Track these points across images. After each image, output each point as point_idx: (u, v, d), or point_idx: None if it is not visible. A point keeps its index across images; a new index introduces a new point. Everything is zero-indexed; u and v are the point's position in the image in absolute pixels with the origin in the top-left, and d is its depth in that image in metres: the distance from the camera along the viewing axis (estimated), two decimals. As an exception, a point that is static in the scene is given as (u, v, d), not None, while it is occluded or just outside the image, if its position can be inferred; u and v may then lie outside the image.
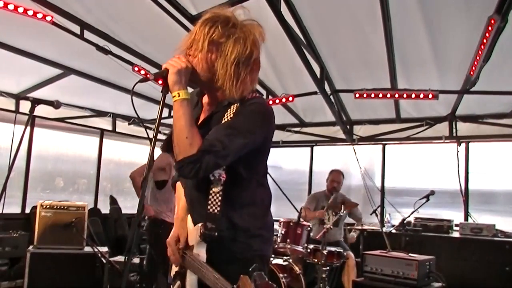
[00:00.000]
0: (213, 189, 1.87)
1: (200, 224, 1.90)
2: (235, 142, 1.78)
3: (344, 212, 5.83)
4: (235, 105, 1.87)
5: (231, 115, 1.85)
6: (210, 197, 1.87)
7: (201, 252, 1.89)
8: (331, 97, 6.21)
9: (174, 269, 2.07)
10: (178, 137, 1.78)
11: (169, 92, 1.81)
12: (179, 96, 1.79)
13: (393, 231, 5.99)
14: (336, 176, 6.41)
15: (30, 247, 5.01)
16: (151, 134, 1.82)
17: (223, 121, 1.85)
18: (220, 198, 1.87)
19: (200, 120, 1.97)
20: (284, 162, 8.88)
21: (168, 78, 1.80)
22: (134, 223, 1.78)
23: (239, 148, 1.81)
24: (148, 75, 1.68)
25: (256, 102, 1.89)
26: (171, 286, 2.07)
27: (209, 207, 1.86)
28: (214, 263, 1.84)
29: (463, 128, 6.79)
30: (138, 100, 6.50)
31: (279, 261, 5.35)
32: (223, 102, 1.90)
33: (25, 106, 5.83)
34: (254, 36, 1.90)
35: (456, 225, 6.42)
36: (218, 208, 1.86)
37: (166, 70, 1.81)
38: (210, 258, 1.87)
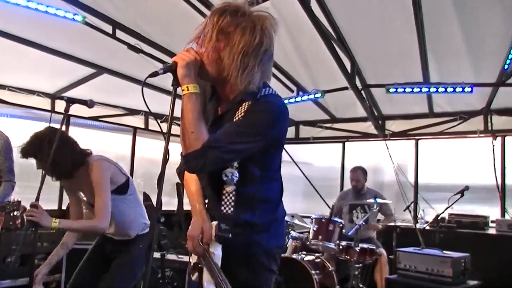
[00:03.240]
0: (226, 189, 1.87)
1: (215, 224, 1.89)
2: (241, 141, 1.77)
3: (376, 208, 5.76)
4: (248, 102, 1.82)
5: (242, 113, 1.82)
6: (224, 197, 1.87)
7: (216, 250, 1.89)
8: (362, 92, 6.14)
9: (194, 258, 2.05)
10: (185, 131, 1.78)
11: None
12: (188, 90, 1.77)
13: (427, 227, 5.88)
14: (353, 175, 6.28)
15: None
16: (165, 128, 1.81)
17: (234, 119, 1.83)
18: (233, 198, 1.86)
19: (215, 117, 1.95)
20: (316, 159, 8.83)
21: (177, 72, 1.77)
22: (154, 218, 1.79)
23: (246, 149, 1.79)
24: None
25: (268, 100, 1.84)
26: (191, 275, 2.07)
27: (222, 207, 1.87)
28: (229, 260, 1.87)
29: (498, 121, 6.61)
30: (163, 96, 6.57)
31: (311, 258, 5.33)
32: (236, 98, 1.85)
33: (60, 105, 5.98)
34: (264, 26, 1.82)
35: (492, 222, 6.28)
36: (232, 209, 1.86)
37: (175, 63, 1.78)
38: (226, 255, 1.88)
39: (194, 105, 1.77)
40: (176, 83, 1.79)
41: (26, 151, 3.14)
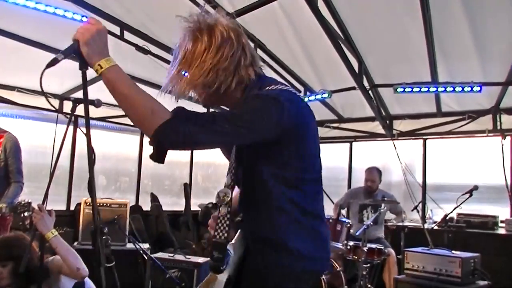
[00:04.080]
0: (221, 212, 1.70)
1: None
2: (219, 126, 1.51)
3: (385, 208, 5.74)
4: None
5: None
6: (218, 221, 1.69)
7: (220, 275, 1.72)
8: (370, 92, 6.12)
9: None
10: (133, 111, 1.52)
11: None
12: (101, 67, 1.51)
13: (435, 227, 5.86)
14: (369, 175, 6.24)
15: (75, 243, 5.16)
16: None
17: None
18: (227, 222, 1.68)
19: None
20: (323, 159, 8.76)
21: (82, 51, 1.54)
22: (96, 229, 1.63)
23: (221, 136, 1.53)
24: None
25: (258, 93, 1.65)
26: None
27: (215, 233, 1.67)
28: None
29: (508, 121, 6.55)
30: (167, 96, 6.58)
31: (318, 257, 5.32)
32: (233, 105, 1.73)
33: (68, 106, 6.00)
34: (203, 24, 1.71)
35: (502, 222, 6.24)
36: (225, 235, 1.66)
37: (76, 41, 1.54)
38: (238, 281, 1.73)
39: (119, 78, 1.53)
40: (83, 64, 1.58)
41: None
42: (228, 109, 1.80)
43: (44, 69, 1.53)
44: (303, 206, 1.69)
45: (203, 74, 1.62)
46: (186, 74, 1.66)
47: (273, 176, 1.66)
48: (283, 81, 1.83)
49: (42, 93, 1.55)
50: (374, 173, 6.23)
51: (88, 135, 1.58)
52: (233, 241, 1.78)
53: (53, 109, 6.30)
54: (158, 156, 1.56)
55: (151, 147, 1.57)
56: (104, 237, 2.17)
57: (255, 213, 1.73)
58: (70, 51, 1.54)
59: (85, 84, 1.59)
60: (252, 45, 1.81)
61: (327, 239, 1.79)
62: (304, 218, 1.69)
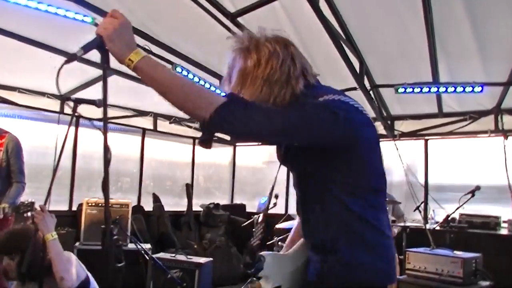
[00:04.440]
0: (260, 219, 1.77)
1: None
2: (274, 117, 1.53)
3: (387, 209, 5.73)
4: None
5: None
6: (255, 227, 1.76)
7: (267, 286, 1.78)
8: (371, 92, 6.11)
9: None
10: (182, 97, 1.49)
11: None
12: (132, 61, 1.46)
13: (437, 228, 5.84)
14: None
15: (77, 244, 5.16)
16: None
17: None
18: (261, 230, 1.75)
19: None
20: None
21: (108, 47, 1.48)
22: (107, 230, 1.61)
23: (286, 129, 1.53)
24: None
25: (314, 102, 1.64)
26: None
27: (252, 239, 1.75)
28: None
29: (510, 121, 6.55)
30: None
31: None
32: None
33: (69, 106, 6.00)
34: (250, 42, 1.72)
35: (504, 222, 6.23)
36: (258, 241, 1.75)
37: (99, 36, 1.47)
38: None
39: (156, 67, 1.49)
40: (105, 60, 1.51)
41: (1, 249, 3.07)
42: None
43: (62, 66, 1.47)
44: (363, 215, 1.64)
45: (257, 89, 1.65)
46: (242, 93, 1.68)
47: (330, 183, 1.65)
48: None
49: (59, 95, 1.53)
50: None
51: (105, 133, 1.58)
52: (290, 251, 1.82)
53: (54, 109, 6.29)
54: (208, 141, 1.55)
55: (201, 132, 1.56)
56: (114, 237, 2.16)
57: (312, 221, 1.72)
58: (91, 46, 1.47)
59: (105, 81, 1.51)
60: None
61: (388, 252, 1.70)
62: (363, 228, 1.64)
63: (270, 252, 1.78)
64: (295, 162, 1.78)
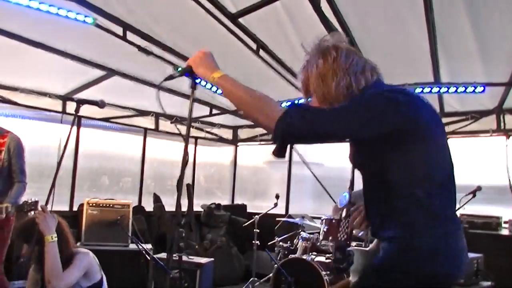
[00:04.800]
0: (343, 215, 1.93)
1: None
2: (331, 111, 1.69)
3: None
4: None
5: None
6: (341, 223, 1.94)
7: None
8: (373, 92, 6.10)
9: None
10: (250, 110, 1.72)
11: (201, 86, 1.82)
12: (214, 78, 1.82)
13: (439, 228, 5.84)
14: None
15: (78, 244, 5.16)
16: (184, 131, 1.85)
17: None
18: (346, 224, 1.89)
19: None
20: (327, 159, 8.80)
21: (197, 72, 1.88)
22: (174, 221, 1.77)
23: (336, 123, 1.62)
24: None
25: (372, 92, 1.78)
26: None
27: (339, 234, 1.92)
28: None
29: (511, 121, 6.55)
30: (179, 98, 6.61)
31: (321, 258, 5.32)
32: None
33: (71, 107, 6.02)
34: (327, 44, 1.95)
35: (505, 222, 6.22)
36: (345, 236, 1.87)
37: (189, 67, 1.90)
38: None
39: (231, 83, 1.79)
40: (193, 84, 1.93)
41: (18, 235, 3.16)
42: None
43: (161, 82, 1.92)
44: (428, 207, 1.64)
45: (341, 80, 1.82)
46: (322, 88, 1.85)
47: (393, 175, 1.67)
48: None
49: (164, 114, 1.78)
50: None
51: (187, 136, 1.91)
52: (371, 246, 1.86)
53: (56, 109, 6.31)
54: (280, 150, 1.66)
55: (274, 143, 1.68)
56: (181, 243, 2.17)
57: (377, 212, 1.76)
58: (184, 72, 1.92)
59: (192, 103, 1.89)
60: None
61: (455, 246, 1.70)
62: (428, 219, 1.64)
63: (356, 247, 1.90)
64: (360, 161, 1.88)
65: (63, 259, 3.03)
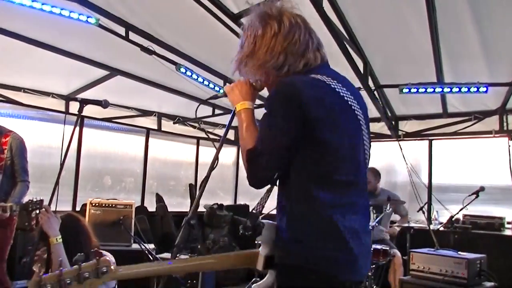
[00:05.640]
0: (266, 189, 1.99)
1: None
2: (267, 139, 1.72)
3: (390, 209, 5.72)
4: None
5: None
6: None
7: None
8: (375, 92, 6.10)
9: None
10: (242, 153, 1.81)
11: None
12: (235, 109, 1.90)
13: (441, 228, 5.83)
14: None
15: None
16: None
17: None
18: (266, 199, 1.96)
19: None
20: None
21: (228, 98, 1.97)
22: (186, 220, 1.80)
23: (271, 144, 1.69)
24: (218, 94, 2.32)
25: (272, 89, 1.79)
26: None
27: (257, 205, 1.95)
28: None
29: (514, 122, 6.54)
30: (183, 99, 6.62)
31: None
32: None
33: (74, 106, 6.02)
34: (271, 12, 1.85)
35: (509, 223, 6.21)
36: (260, 208, 1.91)
37: (225, 94, 2.03)
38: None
39: (243, 120, 1.85)
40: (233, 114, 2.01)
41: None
42: None
43: (205, 100, 2.29)
44: (328, 203, 1.65)
45: (274, 56, 1.77)
46: (254, 57, 1.83)
47: (297, 170, 1.69)
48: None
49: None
50: (368, 174, 6.18)
51: (220, 144, 2.06)
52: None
53: (59, 109, 6.32)
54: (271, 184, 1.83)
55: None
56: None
57: (279, 207, 1.78)
58: (221, 96, 2.13)
59: (231, 119, 1.99)
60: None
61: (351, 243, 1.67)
62: (327, 218, 1.65)
63: (271, 221, 1.81)
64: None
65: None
